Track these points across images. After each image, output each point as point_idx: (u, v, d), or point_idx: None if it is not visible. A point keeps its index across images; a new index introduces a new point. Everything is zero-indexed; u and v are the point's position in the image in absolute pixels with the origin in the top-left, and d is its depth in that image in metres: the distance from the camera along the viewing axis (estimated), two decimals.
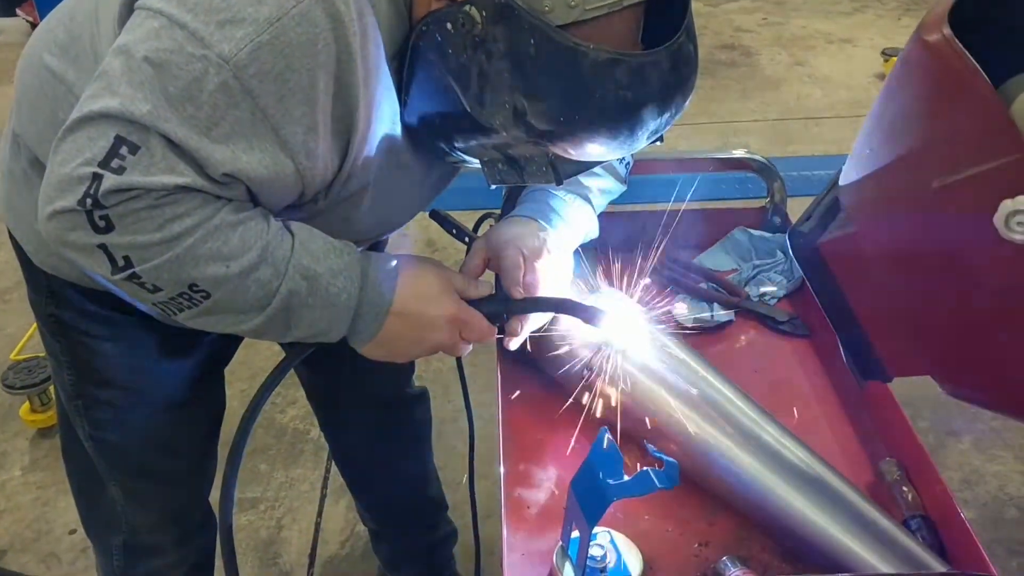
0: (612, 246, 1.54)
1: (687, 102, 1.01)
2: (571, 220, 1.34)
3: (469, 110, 1.00)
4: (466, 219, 1.44)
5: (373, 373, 1.24)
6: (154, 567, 1.58)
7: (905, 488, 1.26)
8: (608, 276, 1.47)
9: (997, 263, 0.69)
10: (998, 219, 0.65)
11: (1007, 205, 0.65)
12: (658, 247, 1.58)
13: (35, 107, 1.18)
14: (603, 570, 1.13)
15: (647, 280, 1.40)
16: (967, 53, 0.66)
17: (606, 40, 0.93)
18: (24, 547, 2.40)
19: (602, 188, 1.40)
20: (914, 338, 0.82)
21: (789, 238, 0.89)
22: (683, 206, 1.76)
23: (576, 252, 1.38)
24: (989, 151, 0.66)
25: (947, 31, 0.68)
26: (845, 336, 0.89)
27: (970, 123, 0.69)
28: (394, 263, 1.15)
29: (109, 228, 0.96)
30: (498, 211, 1.46)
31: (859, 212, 0.82)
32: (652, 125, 0.99)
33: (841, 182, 0.85)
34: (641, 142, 1.01)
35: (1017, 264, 0.68)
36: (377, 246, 1.61)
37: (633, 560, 1.15)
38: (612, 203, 1.46)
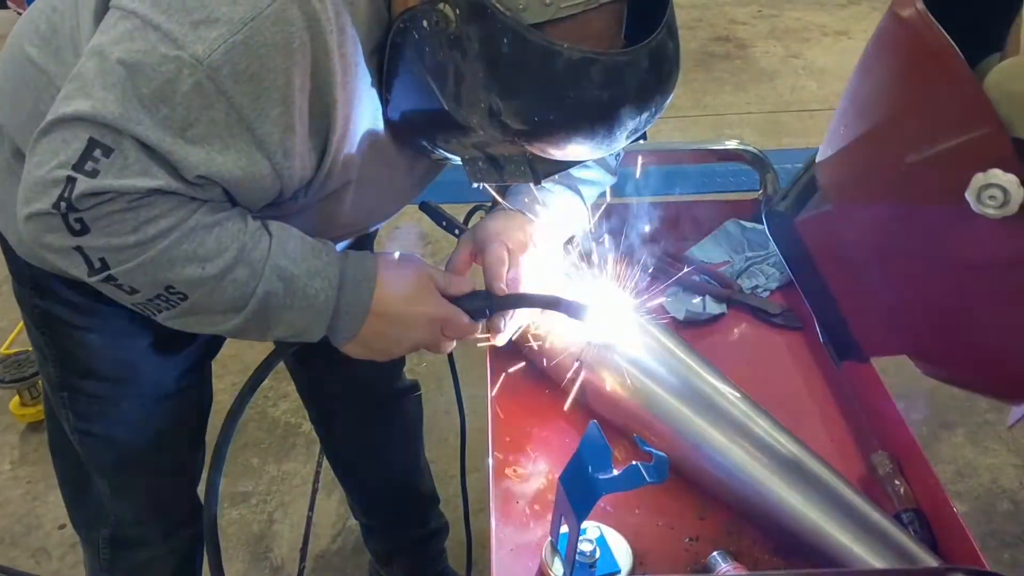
0: (602, 238, 1.53)
1: (668, 100, 0.99)
2: (560, 212, 1.33)
3: (447, 108, 0.99)
4: (458, 211, 1.43)
5: (363, 366, 1.24)
6: (141, 560, 1.57)
7: (897, 481, 1.26)
8: (598, 268, 1.46)
9: (970, 238, 0.69)
10: (970, 193, 0.65)
11: (979, 179, 0.65)
12: (649, 239, 1.58)
13: (17, 97, 1.17)
14: (592, 565, 1.12)
15: (638, 272, 1.39)
16: (939, 27, 0.66)
17: (584, 38, 0.91)
18: (14, 542, 2.39)
19: (592, 180, 1.38)
20: (889, 317, 0.82)
21: (765, 217, 0.88)
22: (675, 198, 1.76)
23: (566, 244, 1.37)
24: (961, 125, 0.66)
25: (920, 5, 0.68)
26: (822, 316, 0.88)
27: (942, 97, 0.68)
28: (373, 262, 1.14)
29: (84, 231, 0.96)
30: (489, 203, 1.45)
31: (834, 190, 0.81)
32: (631, 125, 0.97)
33: (818, 160, 0.84)
34: (620, 142, 0.99)
35: (989, 239, 0.68)
36: (368, 237, 1.61)
37: (623, 555, 1.15)
38: (603, 194, 1.44)
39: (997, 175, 0.64)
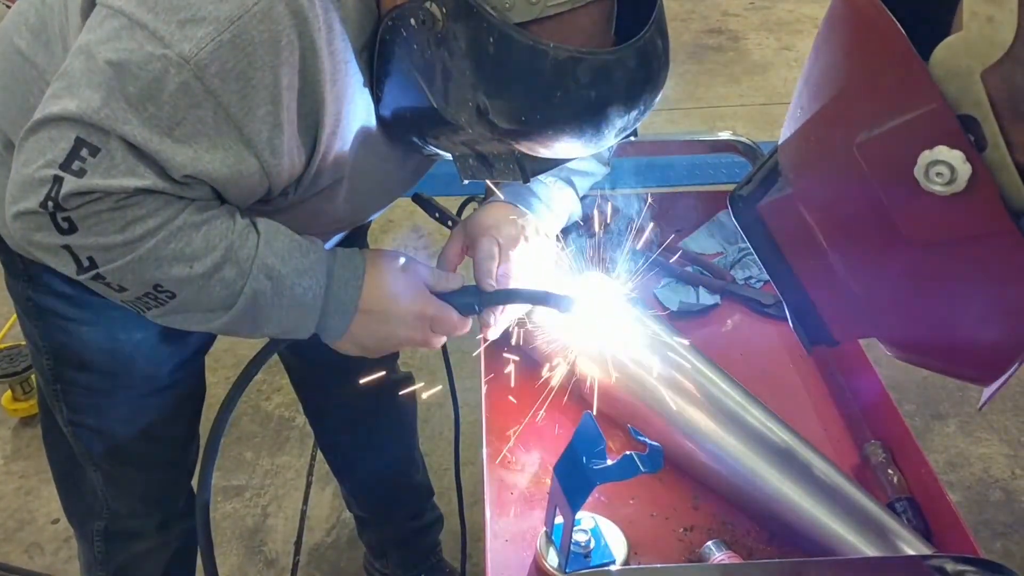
0: (596, 229, 1.53)
1: (657, 98, 0.98)
2: (552, 204, 1.33)
3: (435, 106, 0.99)
4: (451, 203, 1.43)
5: (357, 359, 1.24)
6: (136, 552, 1.57)
7: (890, 471, 1.26)
8: (592, 259, 1.46)
9: (920, 217, 0.69)
10: (918, 171, 0.66)
11: (926, 156, 0.65)
12: (643, 230, 1.58)
13: (7, 90, 1.16)
14: (587, 555, 1.12)
15: (632, 263, 1.39)
16: (883, 5, 0.66)
17: (572, 36, 0.91)
18: (7, 537, 2.38)
19: (585, 171, 1.38)
20: (854, 300, 0.82)
21: (729, 203, 0.87)
22: (669, 189, 1.76)
23: (559, 235, 1.37)
24: (906, 103, 0.66)
25: None
26: (790, 301, 0.88)
27: (887, 75, 0.69)
28: (361, 260, 1.14)
29: (72, 229, 0.96)
30: (482, 196, 1.44)
31: (792, 172, 0.82)
32: (619, 123, 0.96)
33: (779, 143, 0.84)
34: (609, 140, 0.98)
35: (940, 217, 0.68)
36: (361, 229, 1.60)
37: (617, 545, 1.15)
38: (596, 185, 1.44)
39: (943, 152, 0.64)
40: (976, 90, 0.64)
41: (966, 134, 0.64)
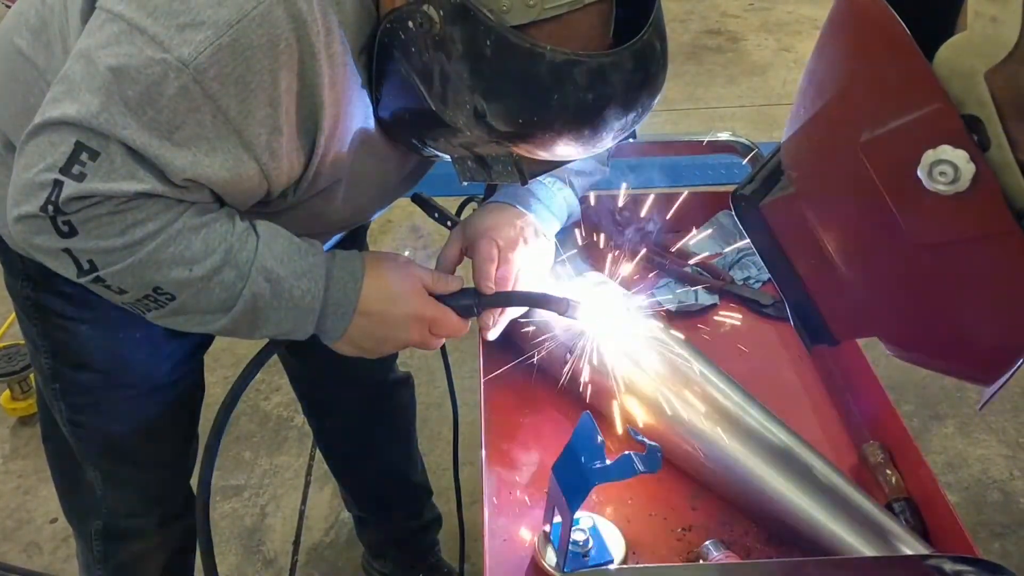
0: (595, 230, 1.53)
1: (655, 100, 0.98)
2: (551, 205, 1.33)
3: (434, 109, 0.99)
4: (450, 204, 1.43)
5: (356, 359, 1.24)
6: (134, 551, 1.57)
7: (889, 471, 1.26)
8: (592, 260, 1.46)
9: (923, 217, 0.69)
10: (921, 170, 0.66)
11: (929, 155, 0.65)
12: (642, 231, 1.58)
13: (7, 90, 1.17)
14: (585, 555, 1.12)
15: (631, 264, 1.39)
16: (887, 5, 0.67)
17: (570, 38, 0.91)
18: (5, 536, 2.38)
19: (584, 171, 1.38)
20: (855, 299, 0.82)
21: (732, 201, 0.87)
22: (667, 190, 1.76)
23: (558, 236, 1.37)
24: (910, 102, 0.66)
25: None
26: (791, 300, 0.88)
27: (891, 75, 0.69)
28: (360, 262, 1.15)
29: (73, 233, 0.97)
30: (481, 196, 1.44)
31: (795, 171, 0.82)
32: (617, 126, 0.96)
33: (782, 142, 0.84)
34: (607, 143, 0.99)
35: (943, 216, 0.68)
36: (360, 229, 1.60)
37: (615, 544, 1.15)
38: (595, 186, 1.44)
39: (947, 151, 0.64)
40: (980, 90, 0.64)
41: (970, 134, 0.64)
